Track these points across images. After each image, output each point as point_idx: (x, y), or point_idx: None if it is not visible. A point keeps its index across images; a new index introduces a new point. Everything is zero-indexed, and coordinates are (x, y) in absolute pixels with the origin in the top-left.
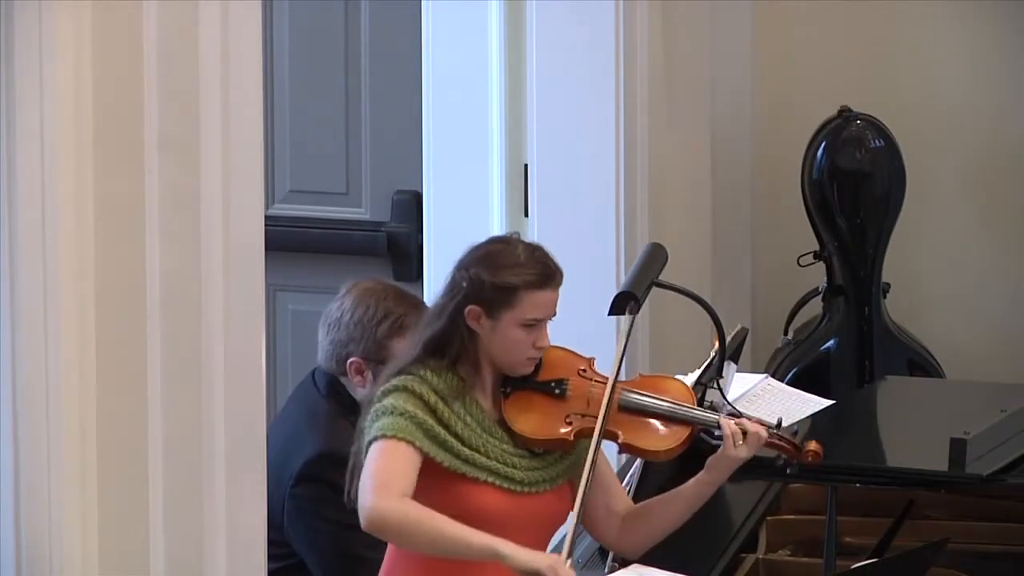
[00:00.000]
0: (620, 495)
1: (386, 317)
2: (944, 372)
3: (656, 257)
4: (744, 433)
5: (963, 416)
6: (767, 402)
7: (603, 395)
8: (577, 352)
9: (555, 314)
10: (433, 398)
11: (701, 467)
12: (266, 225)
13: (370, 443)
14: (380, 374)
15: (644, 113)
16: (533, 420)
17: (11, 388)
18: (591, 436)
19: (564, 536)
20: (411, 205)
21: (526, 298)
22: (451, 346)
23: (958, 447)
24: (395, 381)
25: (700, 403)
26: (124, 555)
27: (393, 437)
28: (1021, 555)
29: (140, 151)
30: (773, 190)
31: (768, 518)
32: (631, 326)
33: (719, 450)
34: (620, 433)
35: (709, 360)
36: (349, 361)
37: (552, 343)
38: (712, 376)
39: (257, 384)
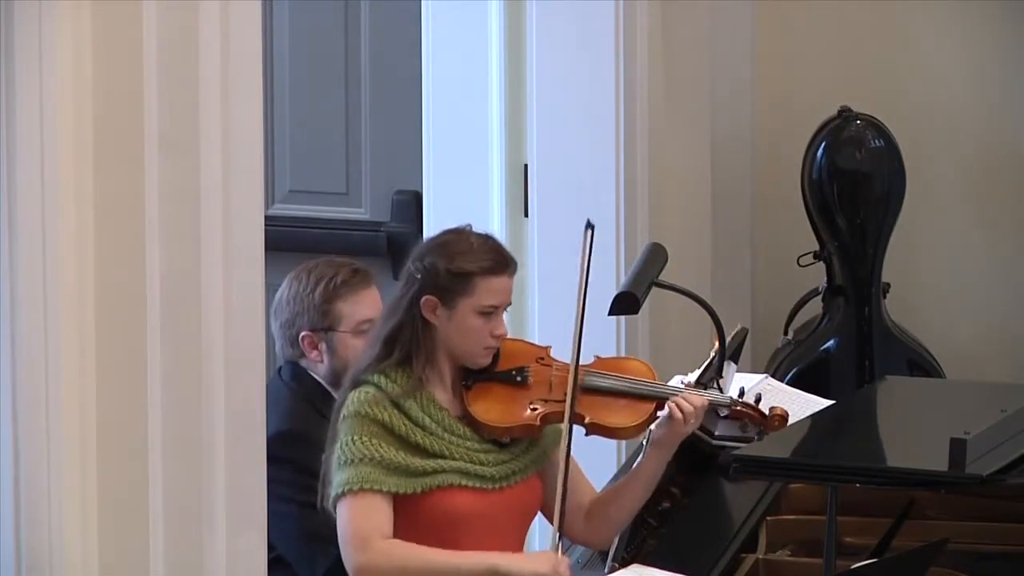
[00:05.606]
0: (585, 488)
1: (319, 282)
2: (944, 372)
3: (656, 257)
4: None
5: (963, 416)
6: (767, 402)
7: (564, 379)
8: (533, 342)
9: (510, 302)
10: (387, 414)
11: (702, 466)
12: (266, 225)
13: (337, 498)
14: (333, 344)
15: (644, 113)
16: (497, 409)
17: (11, 388)
18: (556, 421)
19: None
20: (411, 205)
21: (481, 284)
22: (407, 340)
23: (958, 447)
24: (351, 403)
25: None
26: (124, 555)
27: (359, 491)
28: (1021, 555)
29: (140, 151)
30: (773, 190)
31: (768, 518)
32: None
33: (667, 426)
34: (586, 415)
35: (709, 360)
36: (300, 337)
37: (510, 335)
38: (712, 376)
39: (257, 384)
